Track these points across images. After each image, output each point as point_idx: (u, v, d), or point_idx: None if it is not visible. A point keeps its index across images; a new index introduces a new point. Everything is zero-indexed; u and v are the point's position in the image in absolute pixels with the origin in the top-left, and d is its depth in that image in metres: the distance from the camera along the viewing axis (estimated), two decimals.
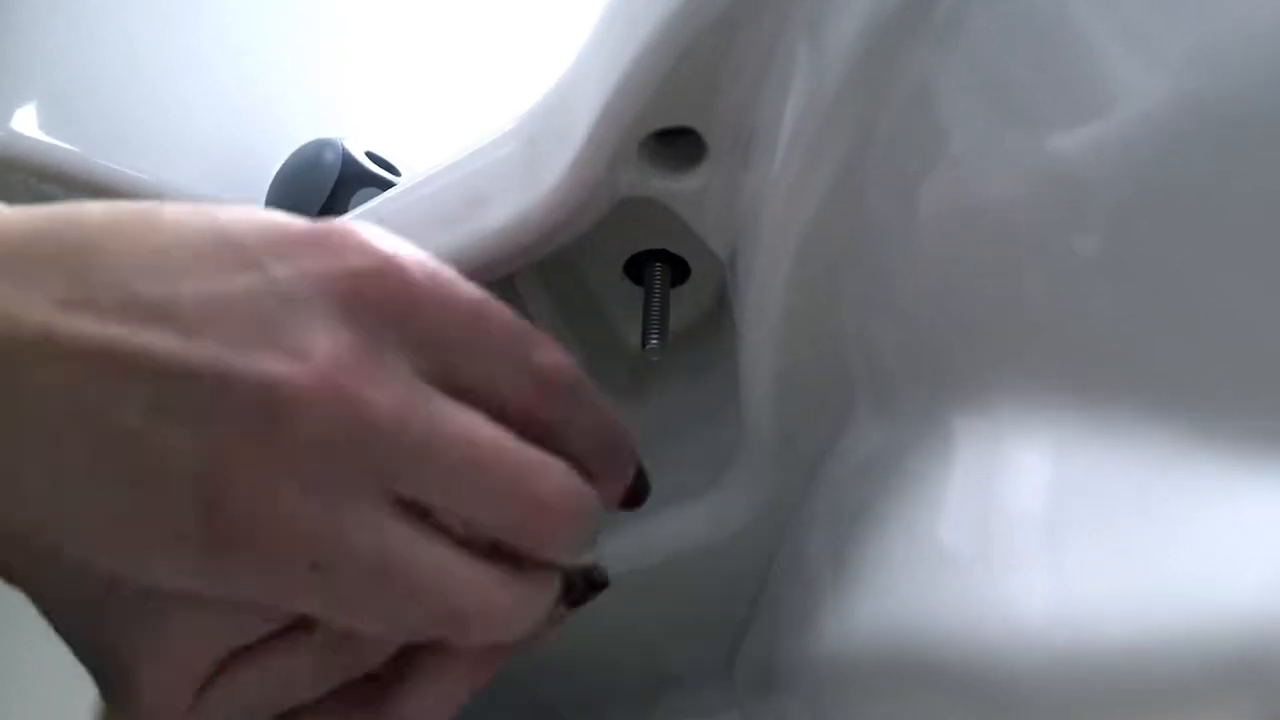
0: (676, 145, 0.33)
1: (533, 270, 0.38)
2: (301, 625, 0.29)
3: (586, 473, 0.29)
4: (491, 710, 0.45)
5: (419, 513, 0.27)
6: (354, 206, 0.45)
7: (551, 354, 0.29)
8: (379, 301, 0.27)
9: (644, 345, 0.38)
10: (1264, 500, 0.22)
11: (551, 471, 0.28)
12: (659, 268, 0.38)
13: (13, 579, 0.29)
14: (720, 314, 0.40)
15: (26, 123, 0.51)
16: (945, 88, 0.27)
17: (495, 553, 0.28)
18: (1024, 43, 0.26)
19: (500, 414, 0.28)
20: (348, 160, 0.47)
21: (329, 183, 0.46)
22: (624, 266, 0.40)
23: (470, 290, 0.29)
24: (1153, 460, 0.24)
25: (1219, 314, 0.23)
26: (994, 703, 0.26)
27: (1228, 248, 0.22)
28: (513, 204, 0.36)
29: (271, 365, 0.26)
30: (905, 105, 0.28)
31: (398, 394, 0.27)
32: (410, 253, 0.28)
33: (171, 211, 0.27)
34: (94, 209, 0.27)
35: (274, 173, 0.50)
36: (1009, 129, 0.26)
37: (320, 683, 0.30)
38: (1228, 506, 0.22)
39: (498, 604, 0.28)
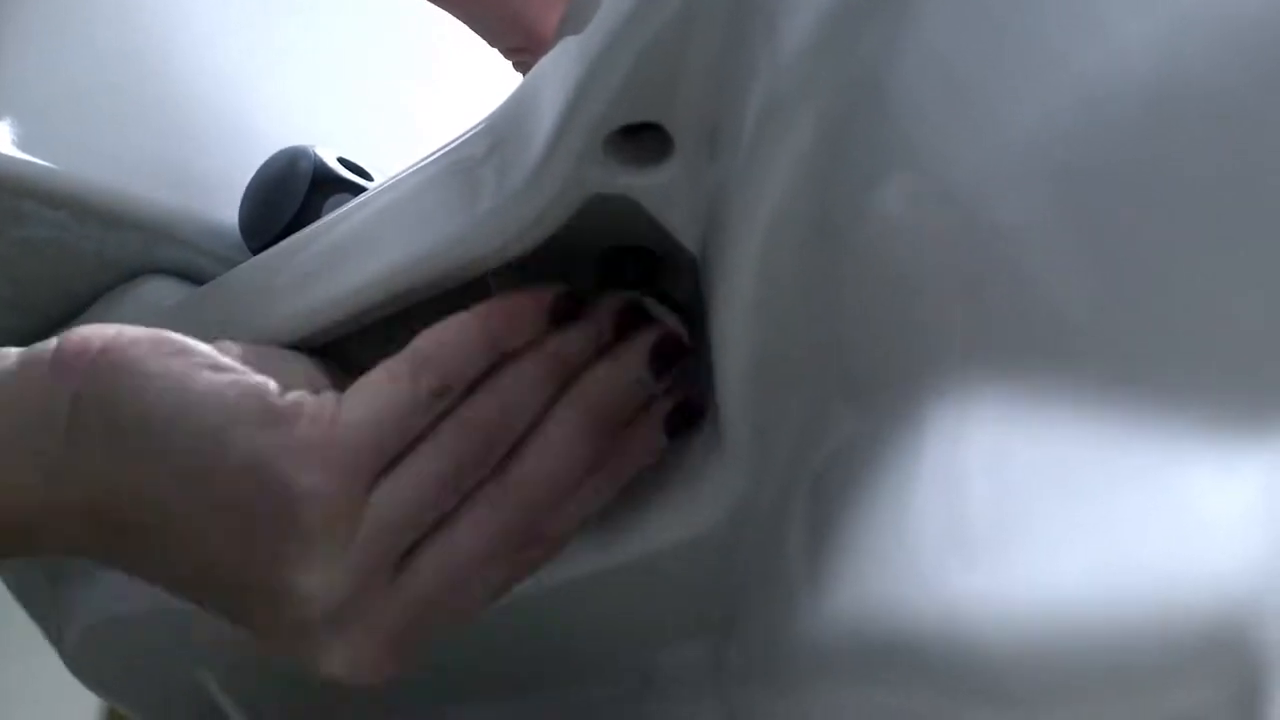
0: (642, 141, 0.33)
1: (506, 269, 0.38)
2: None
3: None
4: (476, 711, 0.45)
5: None
6: (327, 212, 0.45)
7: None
8: None
9: None
10: (1228, 482, 0.22)
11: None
12: (631, 264, 0.39)
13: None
14: (695, 309, 0.40)
15: (2, 139, 0.51)
16: (902, 76, 0.27)
17: None
18: (980, 28, 0.26)
19: None
20: (320, 167, 0.47)
21: (301, 190, 0.46)
22: (598, 263, 0.40)
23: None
24: (1120, 443, 0.24)
25: (1179, 299, 0.23)
26: (968, 687, 0.26)
27: (1187, 233, 0.22)
28: (481, 205, 0.36)
29: None
30: (863, 95, 0.28)
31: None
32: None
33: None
34: None
35: (247, 181, 0.50)
36: (967, 115, 0.26)
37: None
38: (1193, 488, 0.22)
39: None
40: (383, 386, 0.34)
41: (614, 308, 0.38)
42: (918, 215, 0.28)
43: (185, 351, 0.34)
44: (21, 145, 0.51)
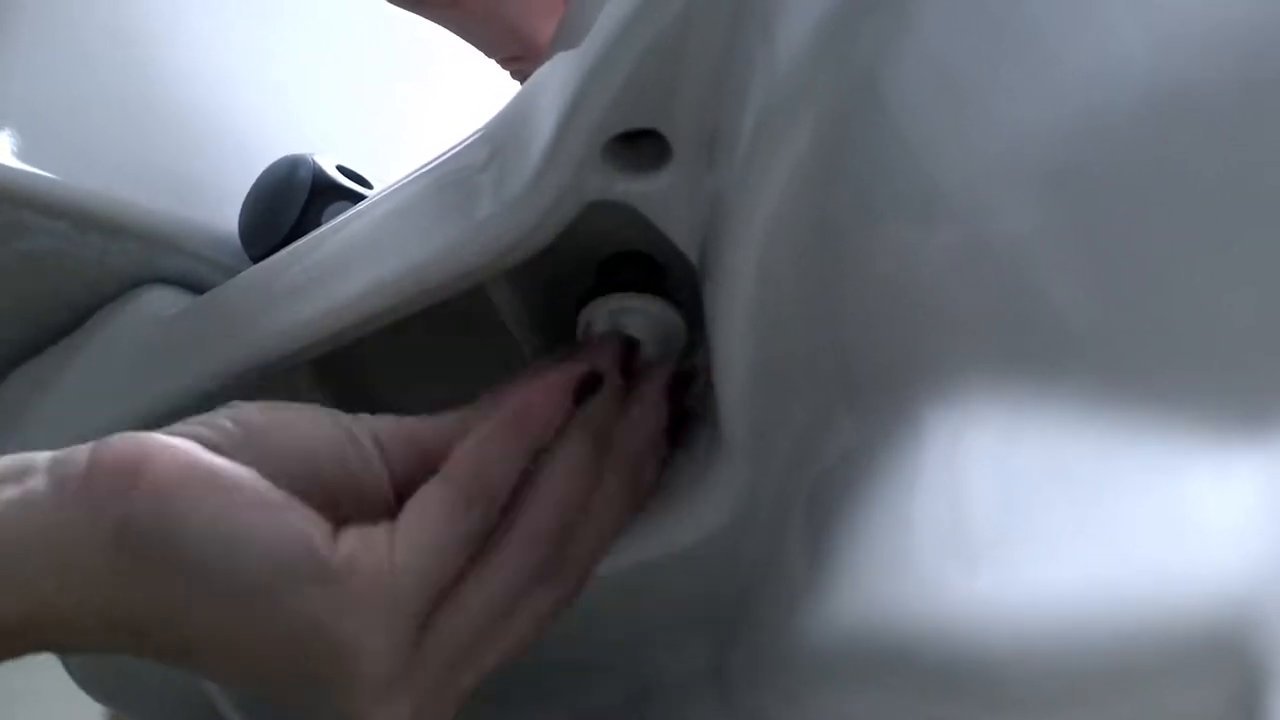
0: (641, 147, 0.33)
1: (504, 277, 0.38)
2: None
3: None
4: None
5: None
6: (326, 220, 0.45)
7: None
8: None
9: None
10: (1226, 484, 0.22)
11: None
12: (629, 270, 0.39)
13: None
14: (694, 315, 0.40)
15: (2, 150, 0.51)
16: (899, 81, 0.27)
17: None
18: (977, 30, 0.26)
19: None
20: (319, 175, 0.47)
21: (301, 198, 0.46)
22: (598, 270, 0.40)
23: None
24: (1119, 446, 0.24)
25: (1177, 301, 0.23)
26: (968, 691, 0.26)
27: (1184, 235, 0.22)
28: (480, 213, 0.36)
29: None
30: (861, 100, 0.28)
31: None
32: None
33: None
34: None
35: (246, 189, 0.50)
36: (964, 118, 0.26)
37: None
38: (1191, 490, 0.22)
39: None
40: (438, 521, 0.33)
41: (610, 352, 0.38)
42: (916, 220, 0.28)
43: (218, 485, 0.32)
44: (21, 156, 0.51)
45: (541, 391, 0.36)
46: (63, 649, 0.34)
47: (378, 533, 0.33)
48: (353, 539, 0.33)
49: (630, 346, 0.39)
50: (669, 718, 0.45)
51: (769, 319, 0.33)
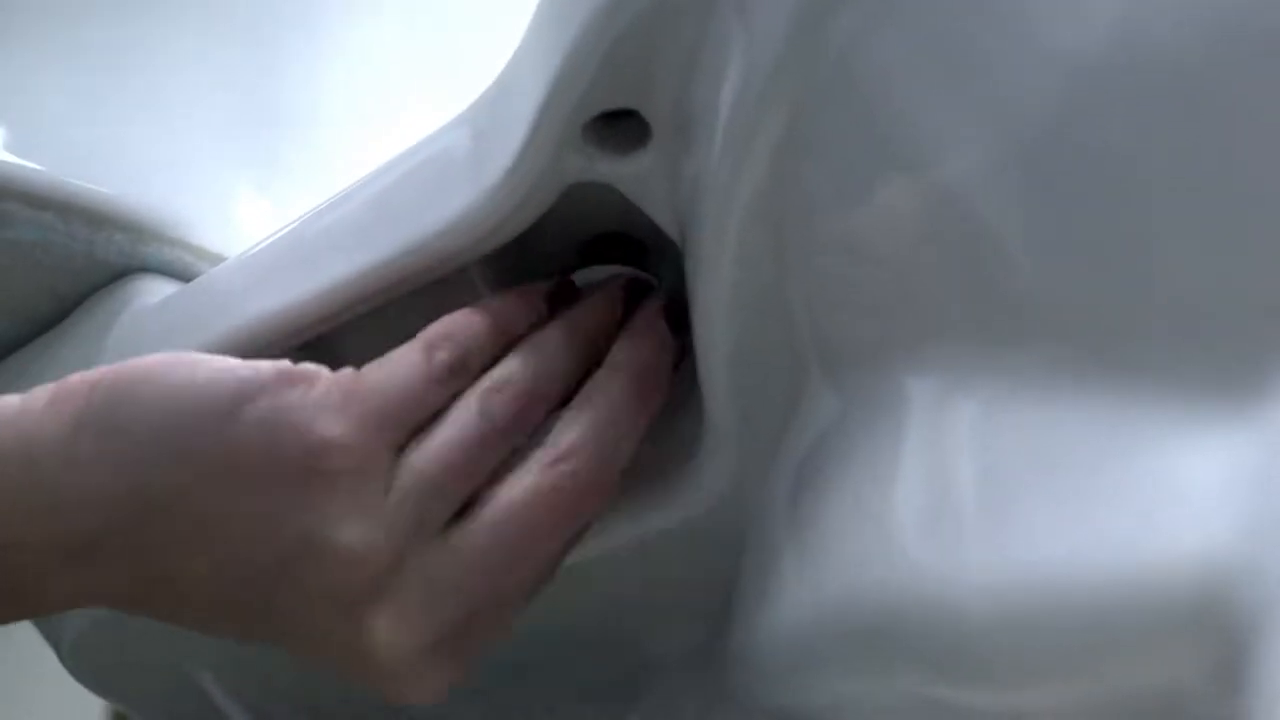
0: (620, 128, 0.33)
1: (487, 259, 0.38)
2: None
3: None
4: (471, 704, 0.45)
5: None
6: None
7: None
8: None
9: None
10: (1204, 450, 0.22)
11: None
12: (613, 252, 0.39)
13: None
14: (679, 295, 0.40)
15: None
16: (876, 61, 0.27)
17: None
18: (955, 8, 0.26)
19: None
20: None
21: None
22: (579, 251, 0.40)
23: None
24: (1099, 417, 0.24)
25: (1154, 275, 0.23)
26: (953, 663, 0.26)
27: (1160, 209, 0.22)
28: (461, 197, 0.36)
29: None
30: (837, 80, 0.28)
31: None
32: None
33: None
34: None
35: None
36: (940, 89, 0.26)
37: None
38: (1170, 458, 0.22)
39: None
40: (399, 358, 0.34)
41: (620, 283, 0.38)
42: (894, 199, 0.28)
43: (190, 357, 0.33)
44: (6, 147, 0.51)
45: (514, 294, 0.37)
46: (31, 592, 0.32)
47: (344, 371, 0.34)
48: (318, 366, 0.34)
49: (636, 286, 0.39)
50: (662, 697, 0.46)
51: (749, 298, 0.33)
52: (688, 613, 0.43)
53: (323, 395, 0.33)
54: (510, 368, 0.35)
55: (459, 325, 0.35)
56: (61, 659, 0.58)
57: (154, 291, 0.50)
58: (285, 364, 0.33)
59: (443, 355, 0.34)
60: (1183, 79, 0.22)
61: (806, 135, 0.29)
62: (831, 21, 0.27)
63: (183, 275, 0.51)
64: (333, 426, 0.32)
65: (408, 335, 0.38)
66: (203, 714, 0.55)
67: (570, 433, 0.34)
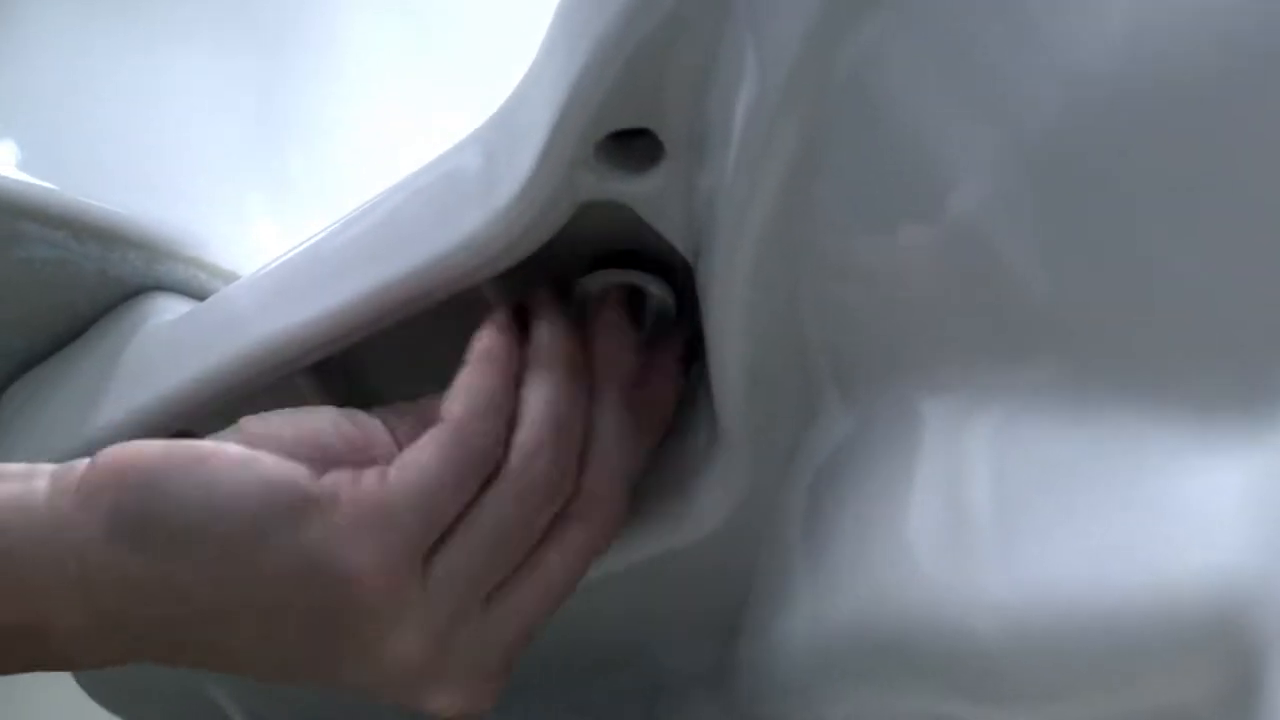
0: (633, 146, 0.33)
1: (500, 277, 0.38)
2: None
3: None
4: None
5: None
6: None
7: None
8: None
9: None
10: (1217, 470, 0.22)
11: None
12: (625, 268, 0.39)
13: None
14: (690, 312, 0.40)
15: (1, 161, 0.51)
16: (889, 79, 0.27)
17: None
18: (968, 15, 0.26)
19: None
20: None
21: None
22: (590, 269, 0.40)
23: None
24: (1114, 436, 0.24)
25: (1167, 292, 0.23)
26: (966, 681, 0.26)
27: (1165, 221, 0.22)
28: (473, 217, 0.36)
29: None
30: (850, 98, 0.28)
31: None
32: None
33: None
34: None
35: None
36: (952, 103, 0.26)
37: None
38: (1183, 477, 0.22)
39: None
40: (429, 452, 0.33)
41: (614, 298, 0.38)
42: (908, 218, 0.28)
43: (200, 456, 0.32)
44: (20, 166, 0.51)
45: (487, 326, 0.36)
46: (66, 661, 0.33)
47: (369, 471, 0.33)
48: (339, 474, 0.33)
49: (635, 298, 0.39)
50: (676, 714, 0.46)
51: (763, 316, 0.33)
52: (701, 630, 0.43)
53: (348, 520, 0.32)
54: (524, 436, 0.34)
55: (478, 394, 0.34)
56: (77, 677, 0.58)
57: (168, 309, 0.51)
58: (302, 483, 0.33)
59: (479, 442, 0.34)
60: (1195, 96, 0.22)
61: (819, 153, 0.29)
62: (845, 39, 0.27)
63: (197, 293, 0.51)
64: (363, 559, 0.32)
65: (420, 352, 0.38)
66: None
67: (601, 484, 0.35)
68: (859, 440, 0.32)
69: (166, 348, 0.49)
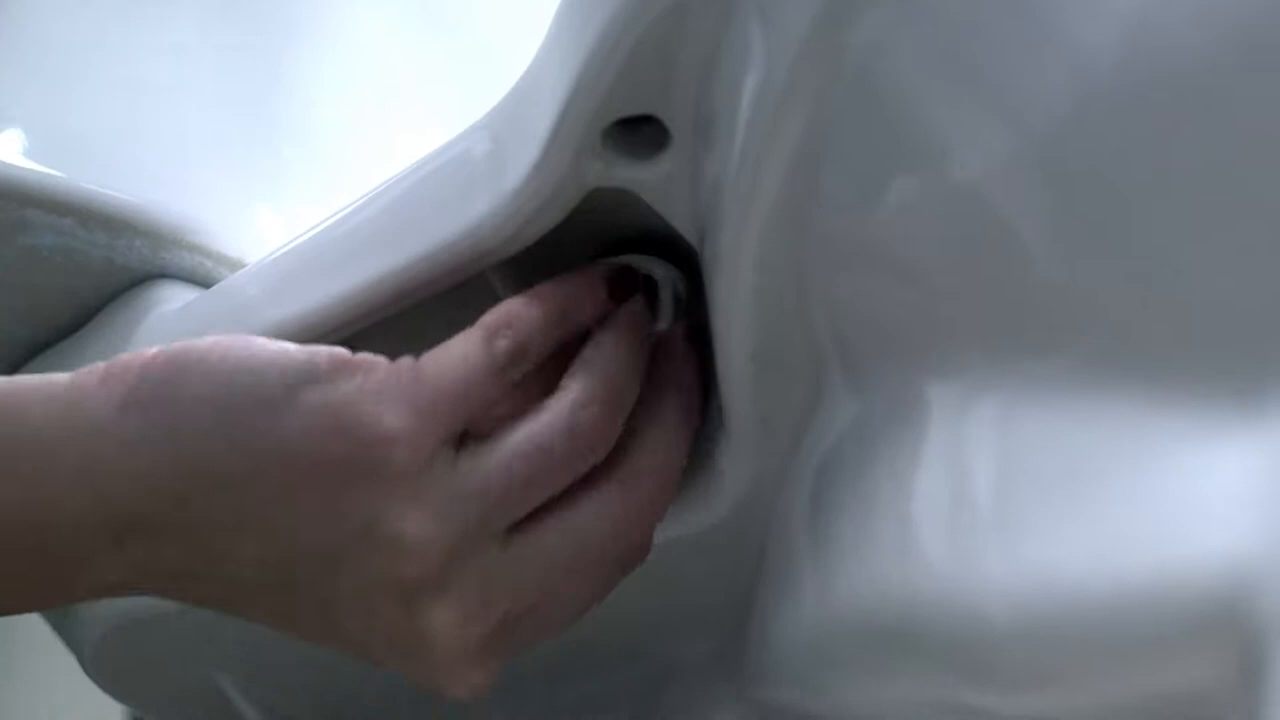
0: (640, 133, 0.34)
1: (506, 264, 0.38)
2: None
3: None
4: (497, 710, 0.45)
5: None
6: None
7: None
8: None
9: None
10: (1223, 455, 0.22)
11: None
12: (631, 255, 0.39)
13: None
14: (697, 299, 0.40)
15: (6, 148, 0.51)
16: (895, 63, 0.27)
17: None
18: (972, 13, 0.26)
19: None
20: None
21: None
22: (602, 254, 0.40)
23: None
24: (1118, 422, 0.24)
25: (1172, 279, 0.23)
26: (971, 666, 0.26)
27: (1172, 210, 0.22)
28: (481, 203, 0.36)
29: None
30: (857, 82, 0.28)
31: None
32: None
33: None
34: None
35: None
36: (961, 98, 0.26)
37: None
38: (1189, 462, 0.22)
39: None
40: (459, 347, 0.33)
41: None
42: (914, 203, 0.28)
43: (244, 339, 0.32)
44: (26, 153, 0.51)
45: (577, 275, 0.36)
46: (70, 579, 0.32)
47: (402, 360, 0.33)
48: (373, 357, 0.33)
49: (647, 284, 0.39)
50: (684, 702, 0.46)
51: (767, 302, 0.33)
52: (708, 618, 0.43)
53: (381, 384, 0.32)
54: (593, 383, 0.34)
55: (519, 313, 0.34)
56: (84, 666, 0.58)
57: (174, 297, 0.51)
58: (342, 351, 0.33)
59: (504, 344, 0.33)
60: (1199, 81, 0.22)
61: (826, 139, 0.29)
62: (851, 24, 0.27)
63: (203, 281, 0.51)
64: (393, 419, 0.31)
65: (426, 341, 0.38)
66: (223, 719, 0.55)
67: (645, 454, 0.34)
68: (864, 425, 0.33)
69: (173, 335, 0.49)
